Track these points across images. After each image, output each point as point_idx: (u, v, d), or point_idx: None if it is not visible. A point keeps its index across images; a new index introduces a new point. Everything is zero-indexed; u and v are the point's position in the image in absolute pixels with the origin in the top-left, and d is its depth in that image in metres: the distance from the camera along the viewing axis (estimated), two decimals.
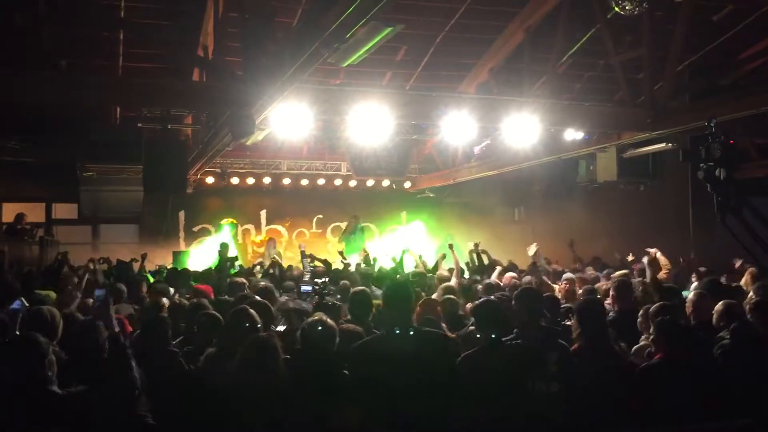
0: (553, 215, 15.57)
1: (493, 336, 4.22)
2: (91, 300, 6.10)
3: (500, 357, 4.10)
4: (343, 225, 17.15)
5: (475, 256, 11.05)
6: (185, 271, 10.62)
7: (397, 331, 4.05)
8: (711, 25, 11.91)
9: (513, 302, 4.51)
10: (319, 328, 4.08)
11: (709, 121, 4.53)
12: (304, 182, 17.01)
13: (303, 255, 10.49)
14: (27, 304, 4.20)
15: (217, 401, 3.82)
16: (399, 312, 4.18)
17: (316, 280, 7.17)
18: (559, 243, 12.52)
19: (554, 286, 8.33)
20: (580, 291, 7.56)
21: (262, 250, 15.64)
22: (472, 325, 5.11)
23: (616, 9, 9.79)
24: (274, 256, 13.25)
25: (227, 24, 9.95)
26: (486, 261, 10.94)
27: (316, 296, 6.51)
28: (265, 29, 7.33)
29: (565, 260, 11.63)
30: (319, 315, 4.38)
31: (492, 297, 5.77)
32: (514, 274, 9.18)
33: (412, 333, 4.09)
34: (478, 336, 4.61)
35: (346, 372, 3.97)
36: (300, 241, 17.06)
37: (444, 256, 10.63)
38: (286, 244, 16.74)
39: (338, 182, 17.32)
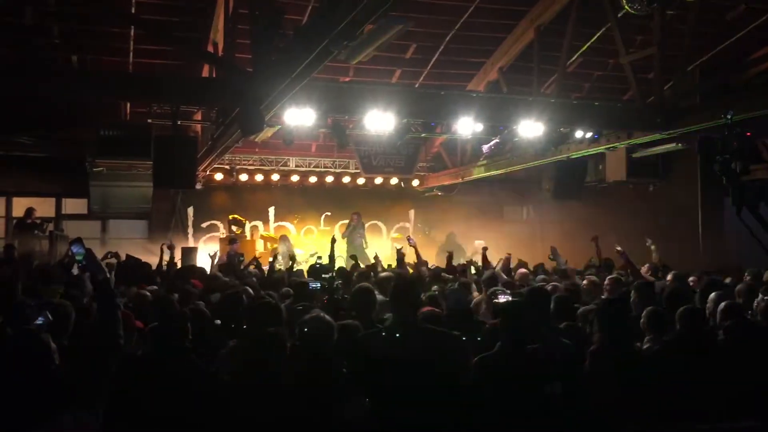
0: (562, 215, 15.54)
1: (514, 338, 4.18)
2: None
3: (521, 360, 4.07)
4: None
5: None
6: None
7: (398, 335, 4.01)
8: (722, 25, 11.84)
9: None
10: (317, 324, 4.07)
11: (725, 113, 4.46)
12: (313, 179, 17.04)
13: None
14: (51, 318, 4.20)
15: (224, 397, 3.84)
16: (403, 310, 4.16)
17: (323, 275, 7.13)
18: (567, 242, 12.47)
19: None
20: None
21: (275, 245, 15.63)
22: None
23: (627, 8, 9.75)
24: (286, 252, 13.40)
25: (237, 21, 9.97)
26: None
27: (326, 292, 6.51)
28: (275, 26, 7.33)
29: (574, 259, 11.55)
30: (316, 311, 4.37)
31: (515, 298, 5.66)
32: (526, 270, 9.14)
33: (416, 332, 4.06)
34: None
35: (345, 370, 3.96)
36: (308, 237, 17.17)
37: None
38: (294, 240, 16.73)
39: (347, 180, 17.33)
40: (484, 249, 10.52)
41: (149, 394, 3.86)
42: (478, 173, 15.47)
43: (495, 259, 10.58)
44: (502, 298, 6.00)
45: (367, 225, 16.60)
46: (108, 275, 4.12)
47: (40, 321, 4.03)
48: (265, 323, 4.34)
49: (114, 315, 3.93)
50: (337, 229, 17.47)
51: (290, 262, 10.27)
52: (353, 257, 11.33)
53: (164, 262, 9.96)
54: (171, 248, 9.99)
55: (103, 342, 3.84)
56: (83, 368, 3.72)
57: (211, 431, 3.80)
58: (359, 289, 5.47)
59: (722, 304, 5.11)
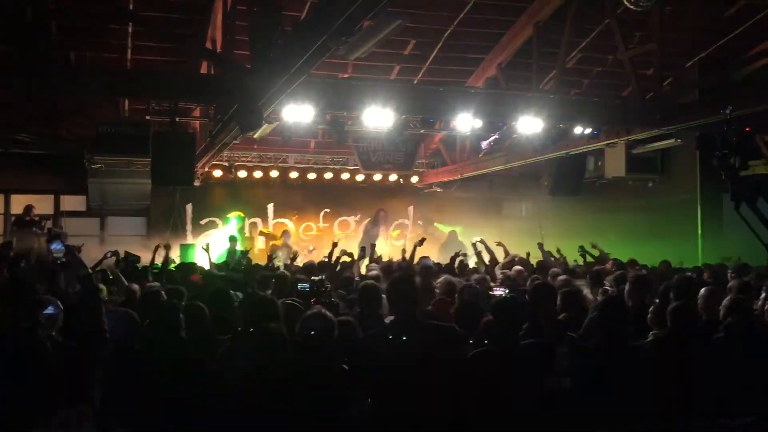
0: (561, 211, 15.53)
1: (509, 335, 4.17)
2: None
3: (516, 356, 4.06)
4: (350, 219, 17.22)
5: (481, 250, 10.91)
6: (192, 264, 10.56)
7: (399, 335, 4.00)
8: (721, 20, 11.83)
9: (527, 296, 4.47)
10: (318, 320, 4.06)
11: (725, 108, 4.46)
12: (312, 176, 17.02)
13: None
14: (62, 307, 4.19)
15: (222, 391, 3.83)
16: (401, 305, 4.14)
17: (313, 277, 7.03)
18: (566, 238, 12.46)
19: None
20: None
21: (278, 242, 15.65)
22: None
23: (627, 4, 9.74)
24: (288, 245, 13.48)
25: (236, 17, 9.95)
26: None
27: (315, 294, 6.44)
28: (274, 22, 7.31)
29: (573, 255, 11.55)
30: (318, 307, 4.36)
31: (511, 294, 5.65)
32: (521, 268, 9.13)
33: (416, 327, 4.06)
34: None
35: (345, 366, 3.96)
36: (307, 234, 17.17)
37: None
38: (294, 237, 16.73)
39: (346, 176, 17.32)
40: (482, 242, 10.51)
41: (144, 385, 3.86)
42: (477, 169, 15.47)
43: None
44: (497, 292, 6.01)
45: (366, 222, 16.60)
46: (90, 271, 4.13)
47: (50, 310, 4.03)
48: (263, 319, 4.34)
49: (98, 309, 3.94)
50: (336, 226, 17.53)
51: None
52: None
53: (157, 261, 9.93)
54: (167, 248, 9.92)
55: (90, 336, 3.84)
56: (75, 363, 3.73)
57: (208, 425, 3.80)
58: (365, 286, 5.46)
59: (725, 300, 5.09)
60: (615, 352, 4.27)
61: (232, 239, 14.40)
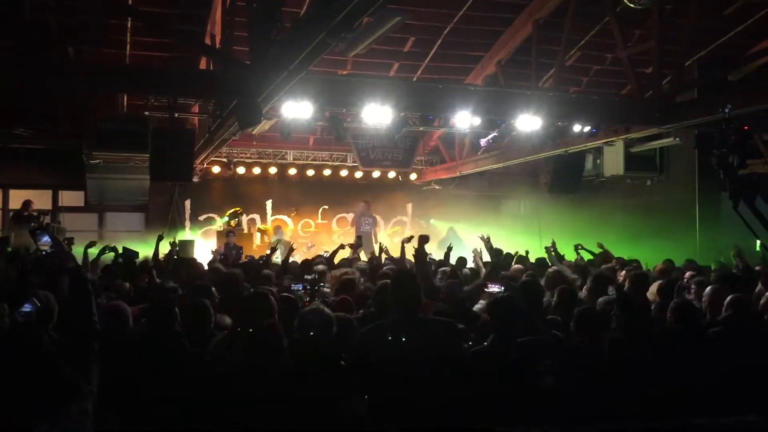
0: (559, 209, 15.54)
1: (505, 331, 4.17)
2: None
3: (513, 352, 4.07)
4: (349, 216, 17.21)
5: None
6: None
7: (399, 333, 4.00)
8: (721, 19, 11.83)
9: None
10: (316, 317, 4.06)
11: (724, 107, 4.47)
12: (310, 173, 17.03)
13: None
14: (39, 304, 4.20)
15: (218, 386, 3.83)
16: (404, 302, 4.14)
17: (306, 276, 6.99)
18: (564, 237, 12.47)
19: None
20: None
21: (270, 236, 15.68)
22: None
23: (626, 2, 9.74)
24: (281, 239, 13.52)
25: (235, 13, 9.93)
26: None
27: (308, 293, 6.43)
28: (273, 18, 7.30)
29: (571, 254, 11.55)
30: (316, 304, 4.36)
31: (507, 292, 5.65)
32: (521, 266, 9.11)
33: (417, 323, 4.06)
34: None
35: (343, 363, 3.96)
36: (306, 232, 17.18)
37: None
38: (292, 233, 16.76)
39: (344, 173, 17.33)
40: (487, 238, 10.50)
41: (138, 379, 3.85)
42: (476, 167, 15.47)
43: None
44: (492, 288, 6.02)
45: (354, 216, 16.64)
46: (78, 263, 4.13)
47: (27, 308, 4.03)
48: (259, 315, 4.33)
49: (88, 301, 3.93)
50: (335, 223, 17.55)
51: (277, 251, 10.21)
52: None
53: (161, 255, 9.91)
54: (173, 245, 9.92)
55: (81, 328, 3.84)
56: (73, 358, 3.72)
57: (204, 421, 3.79)
58: (382, 286, 5.44)
59: (729, 298, 5.10)
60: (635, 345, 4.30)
61: (229, 234, 14.40)
